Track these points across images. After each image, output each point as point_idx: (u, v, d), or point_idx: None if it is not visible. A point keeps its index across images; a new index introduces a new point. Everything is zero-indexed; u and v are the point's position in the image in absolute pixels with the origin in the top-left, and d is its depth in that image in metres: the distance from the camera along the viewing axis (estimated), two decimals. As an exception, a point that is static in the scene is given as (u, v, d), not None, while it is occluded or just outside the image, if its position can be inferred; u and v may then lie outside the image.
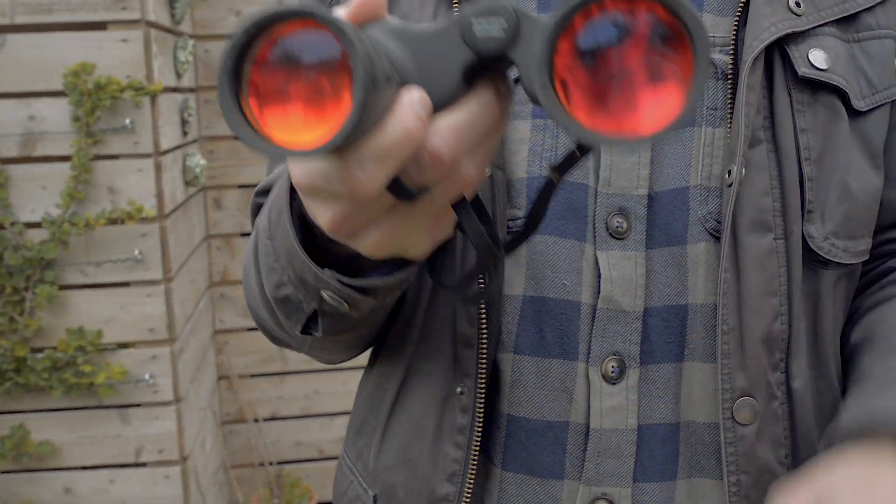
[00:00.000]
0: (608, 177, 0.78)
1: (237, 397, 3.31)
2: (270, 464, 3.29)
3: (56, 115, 2.45)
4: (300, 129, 0.47)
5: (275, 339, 0.87)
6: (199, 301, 3.03)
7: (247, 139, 0.45)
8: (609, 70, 0.47)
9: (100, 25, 2.44)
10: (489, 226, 0.62)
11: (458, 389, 0.80)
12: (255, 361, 3.31)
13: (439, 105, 0.52)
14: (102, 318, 2.54)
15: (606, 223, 0.78)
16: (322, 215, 0.55)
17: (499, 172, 0.78)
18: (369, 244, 0.57)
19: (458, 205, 0.58)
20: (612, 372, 0.79)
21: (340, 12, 0.49)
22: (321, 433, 3.38)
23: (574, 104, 0.47)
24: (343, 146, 0.45)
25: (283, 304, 0.76)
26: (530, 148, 0.79)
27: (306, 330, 0.76)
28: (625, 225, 0.78)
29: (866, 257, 0.85)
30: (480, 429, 0.79)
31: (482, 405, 0.79)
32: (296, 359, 3.31)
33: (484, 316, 0.78)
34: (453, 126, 0.51)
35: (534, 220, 0.66)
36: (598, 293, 0.78)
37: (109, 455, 2.61)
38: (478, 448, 0.80)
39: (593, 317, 0.79)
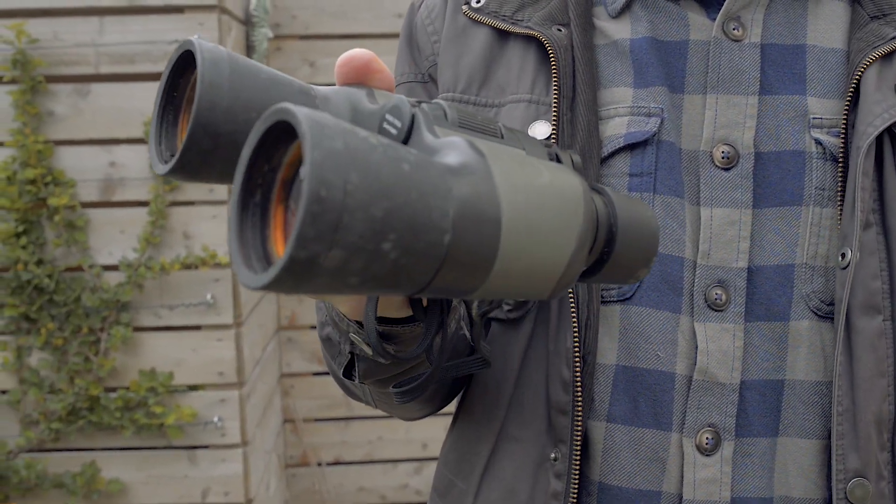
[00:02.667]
0: (707, 249, 0.79)
1: (301, 441, 3.34)
2: (333, 509, 3.31)
3: (135, 161, 2.53)
4: None
5: (346, 390, 0.90)
6: (267, 345, 3.07)
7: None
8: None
9: (180, 76, 2.52)
10: (442, 329, 0.66)
11: (553, 455, 0.80)
12: (320, 406, 3.34)
13: None
14: (174, 361, 2.59)
15: (705, 295, 0.79)
16: None
17: None
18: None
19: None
20: (707, 443, 0.79)
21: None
22: (384, 479, 3.38)
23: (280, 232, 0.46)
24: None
25: (327, 345, 0.82)
26: None
27: (348, 374, 0.81)
28: (724, 297, 0.79)
29: None
30: (576, 495, 0.80)
31: (577, 471, 0.80)
32: (360, 404, 3.31)
33: (579, 383, 0.79)
34: None
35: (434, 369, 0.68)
36: (694, 364, 0.79)
37: (176, 495, 2.65)
38: None
39: (688, 388, 0.79)
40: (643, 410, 0.80)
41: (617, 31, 0.84)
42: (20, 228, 2.48)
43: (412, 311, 0.67)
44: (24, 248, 2.48)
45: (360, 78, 0.59)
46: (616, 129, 0.81)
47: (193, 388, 2.61)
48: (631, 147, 0.81)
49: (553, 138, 0.80)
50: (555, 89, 0.81)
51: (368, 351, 0.72)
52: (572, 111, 0.81)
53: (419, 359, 0.72)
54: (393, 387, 0.72)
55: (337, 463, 3.37)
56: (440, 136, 0.50)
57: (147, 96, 2.51)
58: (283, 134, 0.43)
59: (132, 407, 2.56)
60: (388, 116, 0.53)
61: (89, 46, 2.49)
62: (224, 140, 0.52)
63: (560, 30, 0.83)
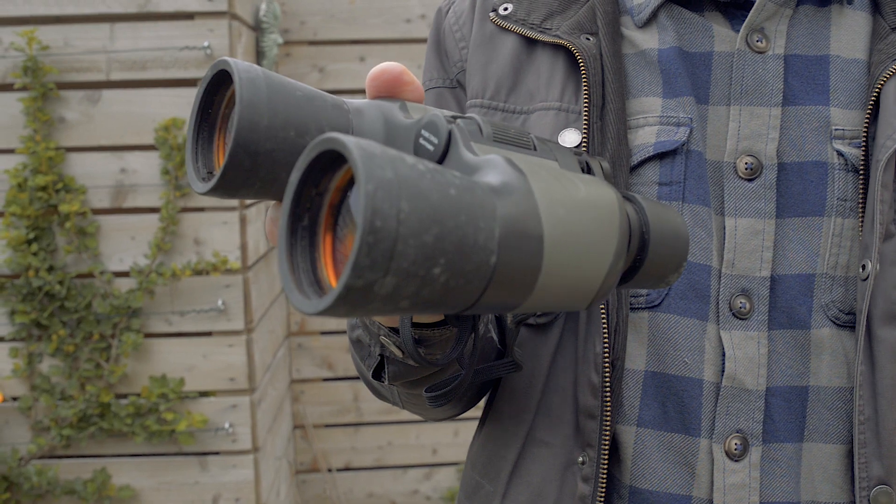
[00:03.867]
0: (732, 258, 0.80)
1: (312, 447, 3.34)
2: (343, 514, 3.30)
3: (146, 168, 2.53)
4: None
5: (373, 391, 0.92)
6: (278, 351, 3.07)
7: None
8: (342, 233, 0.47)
9: (190, 82, 2.52)
10: (474, 334, 0.67)
11: (580, 459, 0.81)
12: (330, 411, 3.34)
13: None
14: (185, 367, 2.59)
15: (730, 303, 0.80)
16: None
17: None
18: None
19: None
20: (736, 449, 0.80)
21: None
22: (393, 485, 3.38)
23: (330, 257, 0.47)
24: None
25: (357, 346, 0.84)
26: None
27: (377, 376, 0.82)
28: (748, 305, 0.80)
29: None
30: (602, 498, 0.81)
31: (604, 475, 0.81)
32: (370, 410, 3.32)
33: (608, 388, 0.80)
34: None
35: (468, 371, 0.69)
36: (722, 371, 0.80)
37: (187, 501, 2.65)
38: None
39: (717, 394, 0.80)
40: (672, 416, 0.81)
41: (644, 40, 0.85)
42: (31, 235, 2.48)
43: (444, 316, 0.68)
44: (35, 254, 2.48)
45: (391, 91, 0.60)
46: (646, 138, 0.82)
47: (204, 394, 2.61)
48: (660, 156, 0.81)
49: (583, 146, 0.81)
50: (585, 98, 0.82)
51: (398, 353, 0.74)
52: (602, 120, 0.82)
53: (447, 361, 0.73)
54: (426, 391, 0.73)
55: (347, 469, 3.37)
56: (478, 153, 0.51)
57: (158, 102, 2.51)
58: (330, 161, 0.44)
59: (143, 413, 2.56)
60: (424, 132, 0.54)
61: (100, 53, 2.50)
62: (263, 158, 0.53)
63: (588, 39, 0.84)
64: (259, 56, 2.83)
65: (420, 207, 0.41)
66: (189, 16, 2.50)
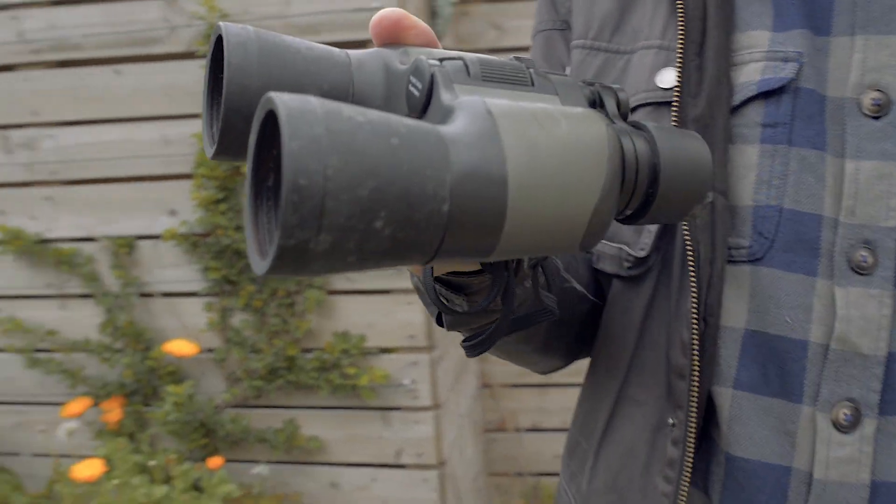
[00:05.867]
0: (853, 205, 0.70)
1: (499, 406, 3.36)
2: (529, 475, 3.30)
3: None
4: None
5: None
6: (462, 310, 3.09)
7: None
8: None
9: (360, 44, 2.57)
10: (508, 305, 0.65)
11: (670, 421, 0.76)
12: (517, 371, 3.34)
13: None
14: (365, 323, 2.67)
15: (848, 256, 0.70)
16: None
17: (721, 198, 0.73)
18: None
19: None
20: (845, 420, 0.70)
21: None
22: (583, 447, 3.34)
23: None
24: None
25: (419, 294, 0.81)
26: (758, 174, 0.73)
27: (440, 322, 0.80)
28: (870, 259, 0.70)
29: None
30: (691, 463, 0.74)
31: (693, 438, 0.74)
32: (558, 371, 3.30)
33: (696, 346, 0.73)
34: None
35: (504, 320, 0.66)
36: (832, 332, 0.71)
37: (371, 455, 2.73)
38: (687, 482, 0.75)
39: (824, 358, 0.71)
40: (772, 379, 0.72)
41: None
42: (220, 195, 2.61)
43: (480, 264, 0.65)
44: (223, 213, 2.61)
45: (393, 37, 0.59)
46: (749, 75, 0.74)
47: (385, 350, 2.67)
48: (765, 95, 0.73)
49: (676, 87, 0.75)
50: (680, 33, 0.75)
51: (444, 302, 0.73)
52: (700, 56, 0.75)
53: (485, 310, 0.71)
54: (462, 342, 0.72)
55: (535, 429, 3.37)
56: (459, 94, 0.51)
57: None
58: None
59: (327, 367, 2.65)
60: (412, 78, 0.53)
61: (276, 18, 2.59)
62: None
63: None
64: (433, 16, 2.85)
65: (352, 161, 0.41)
66: (362, -22, 2.55)
